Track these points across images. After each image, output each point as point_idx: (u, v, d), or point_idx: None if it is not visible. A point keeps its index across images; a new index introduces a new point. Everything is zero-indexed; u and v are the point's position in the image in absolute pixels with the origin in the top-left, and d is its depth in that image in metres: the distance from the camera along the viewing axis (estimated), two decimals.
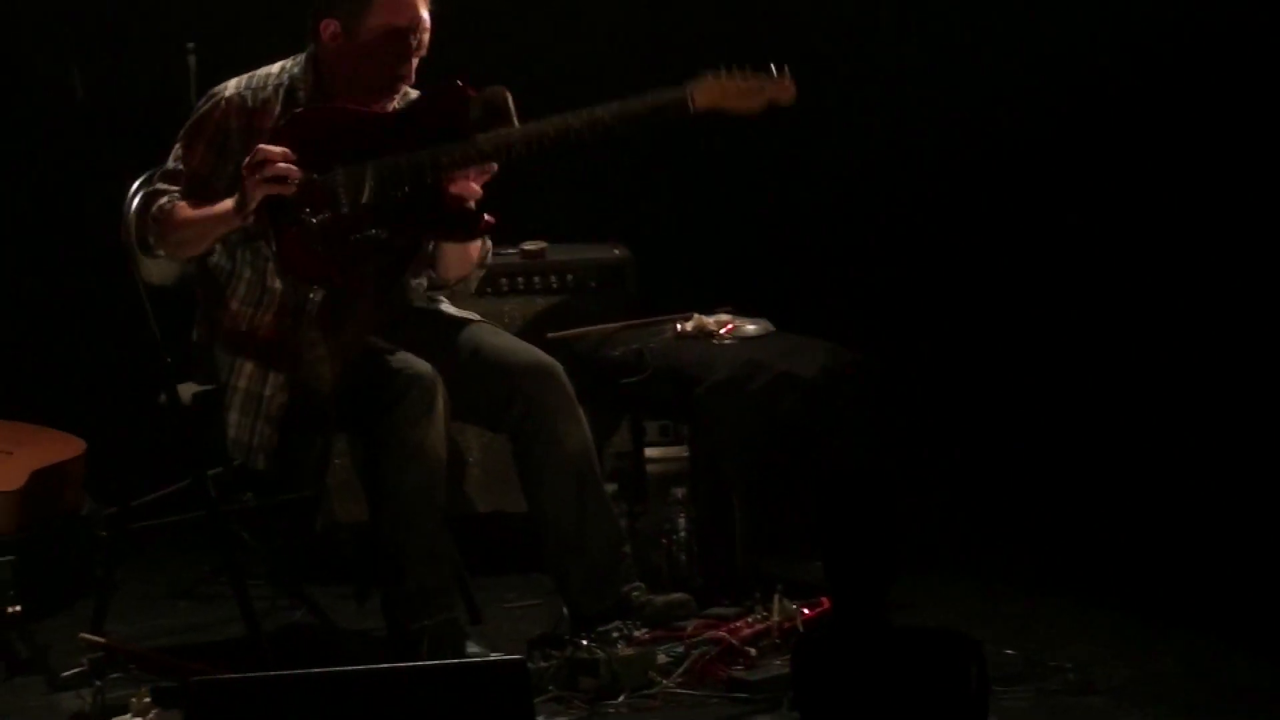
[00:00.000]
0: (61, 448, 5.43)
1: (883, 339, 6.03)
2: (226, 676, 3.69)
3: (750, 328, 5.52)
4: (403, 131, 4.79)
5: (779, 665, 4.61)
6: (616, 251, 5.94)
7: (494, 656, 4.59)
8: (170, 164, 4.88)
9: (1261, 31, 6.19)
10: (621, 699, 4.56)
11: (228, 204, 4.73)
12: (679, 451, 5.54)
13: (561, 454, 4.90)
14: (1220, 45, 6.26)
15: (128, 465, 5.31)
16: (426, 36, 4.86)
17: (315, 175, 4.72)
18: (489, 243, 5.03)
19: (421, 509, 4.75)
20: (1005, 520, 5.96)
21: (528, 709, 3.60)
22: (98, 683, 4.60)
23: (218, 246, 4.85)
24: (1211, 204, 6.30)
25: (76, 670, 4.74)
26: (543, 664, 4.61)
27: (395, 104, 4.90)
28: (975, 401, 6.50)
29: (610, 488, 5.18)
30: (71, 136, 5.27)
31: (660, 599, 4.99)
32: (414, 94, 4.93)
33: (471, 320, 5.08)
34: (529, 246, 5.89)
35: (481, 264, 5.06)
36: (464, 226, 4.83)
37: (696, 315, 5.55)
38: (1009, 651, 4.73)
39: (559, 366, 4.97)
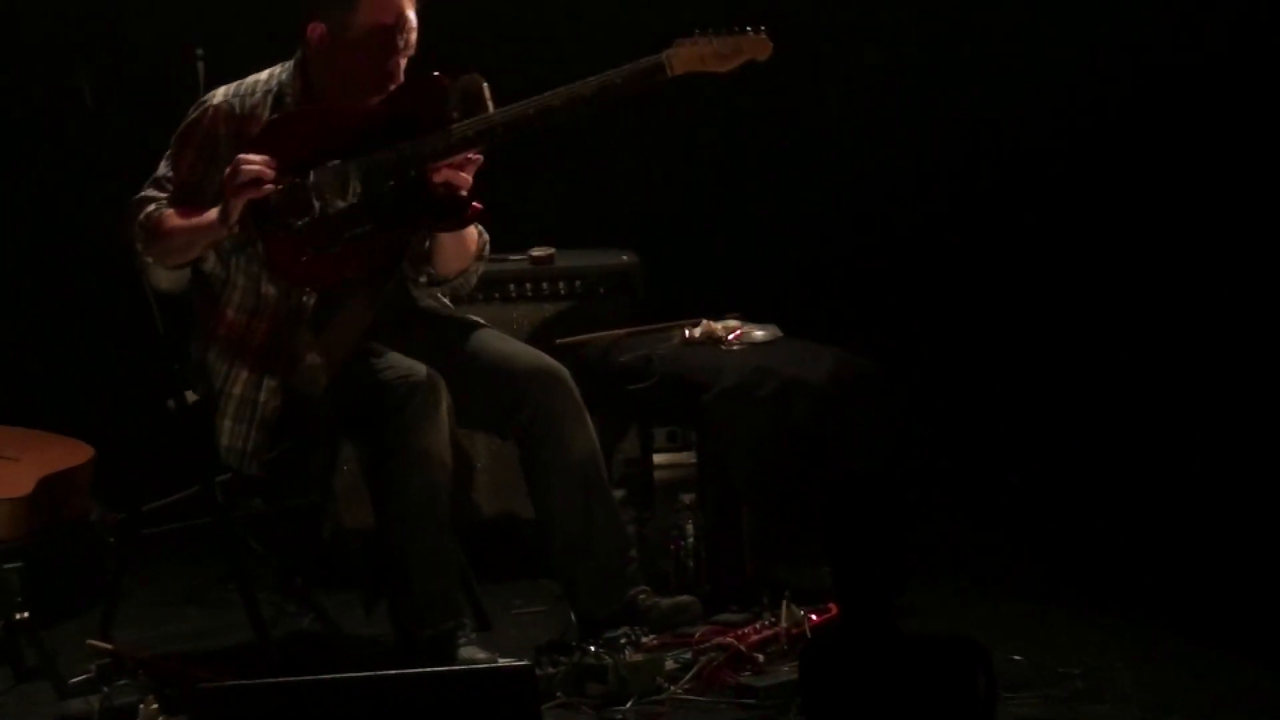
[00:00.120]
0: (70, 454, 5.44)
1: (891, 345, 6.02)
2: (234, 683, 3.70)
3: (758, 334, 5.52)
4: (382, 126, 4.79)
5: (787, 671, 4.60)
6: (625, 257, 5.94)
7: (501, 662, 4.59)
8: (160, 171, 4.89)
9: (1261, 32, 6.19)
10: (629, 705, 4.55)
11: (212, 214, 4.73)
12: (687, 457, 5.54)
13: (568, 458, 4.91)
14: (1219, 46, 6.27)
15: (136, 471, 5.31)
16: (413, 35, 4.86)
17: (298, 178, 4.73)
18: (486, 235, 5.02)
19: (427, 515, 4.75)
20: (1013, 526, 5.96)
21: (535, 715, 3.61)
22: (106, 689, 4.61)
23: (211, 255, 4.86)
24: (1226, 218, 6.30)
25: (85, 676, 4.74)
26: (550, 670, 4.61)
27: None
28: (984, 407, 6.50)
29: (618, 494, 5.18)
30: (79, 142, 5.28)
31: (666, 602, 4.99)
32: None
33: (478, 325, 5.08)
34: (538, 253, 5.89)
35: (480, 256, 5.04)
36: (453, 215, 4.83)
37: (705, 321, 5.55)
38: (1016, 657, 4.72)
39: (565, 371, 4.97)
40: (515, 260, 5.84)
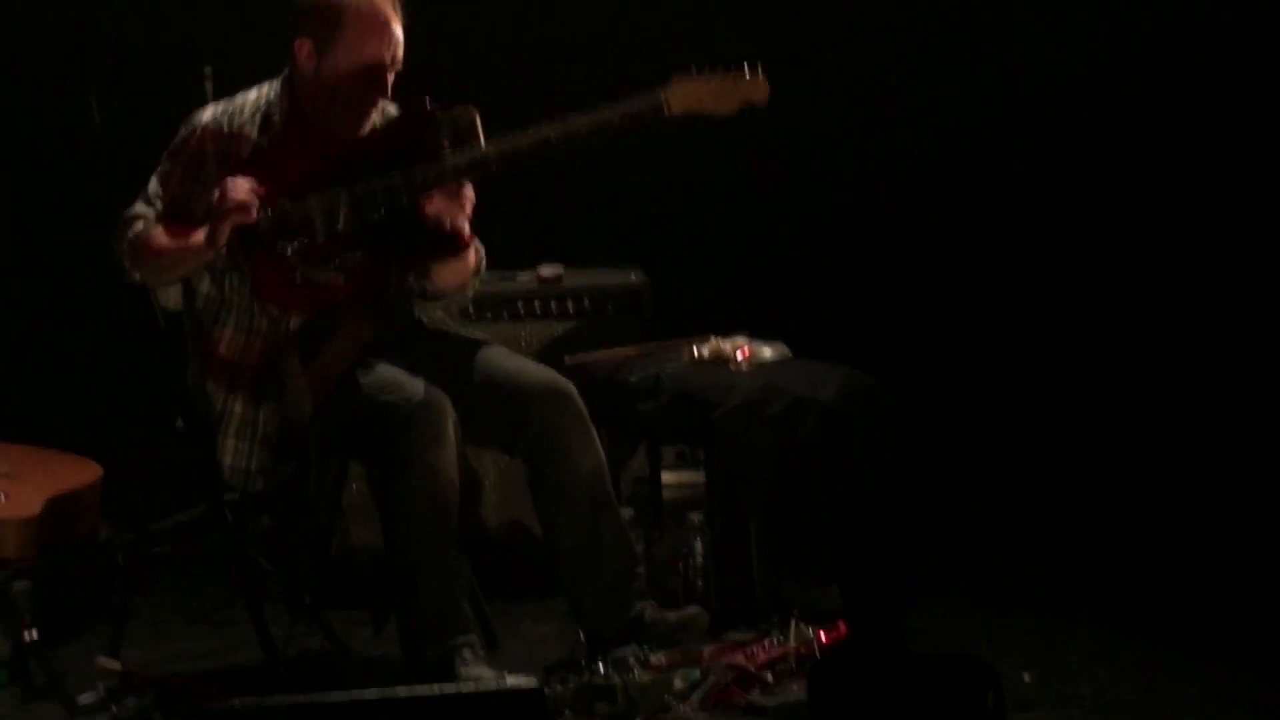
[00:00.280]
0: (78, 473, 5.44)
1: (899, 364, 6.02)
2: (243, 702, 3.69)
3: (767, 352, 5.51)
4: (373, 155, 4.80)
5: (796, 691, 4.60)
6: (633, 276, 5.94)
7: (510, 682, 4.59)
8: (150, 187, 4.90)
9: (1261, 32, 6.20)
10: None
11: (199, 236, 4.74)
12: (695, 476, 5.53)
13: (575, 475, 4.90)
14: (1219, 46, 6.27)
15: (144, 491, 5.31)
16: (400, 51, 4.86)
17: (287, 203, 4.73)
18: (482, 250, 5.00)
19: (435, 533, 4.75)
20: (1023, 545, 5.95)
21: None
22: (114, 708, 4.61)
23: (205, 277, 4.87)
24: (1227, 222, 6.30)
25: (93, 696, 4.74)
26: (559, 689, 4.61)
27: (374, 119, 4.90)
28: (994, 425, 6.49)
29: (626, 512, 5.17)
30: (85, 160, 5.28)
31: (673, 615, 4.99)
32: (392, 109, 4.94)
33: (484, 342, 5.08)
34: (546, 272, 5.89)
35: (477, 272, 5.04)
36: (445, 245, 4.83)
37: (713, 340, 5.55)
38: (1026, 677, 4.72)
39: (572, 388, 4.97)
40: (524, 279, 5.85)
